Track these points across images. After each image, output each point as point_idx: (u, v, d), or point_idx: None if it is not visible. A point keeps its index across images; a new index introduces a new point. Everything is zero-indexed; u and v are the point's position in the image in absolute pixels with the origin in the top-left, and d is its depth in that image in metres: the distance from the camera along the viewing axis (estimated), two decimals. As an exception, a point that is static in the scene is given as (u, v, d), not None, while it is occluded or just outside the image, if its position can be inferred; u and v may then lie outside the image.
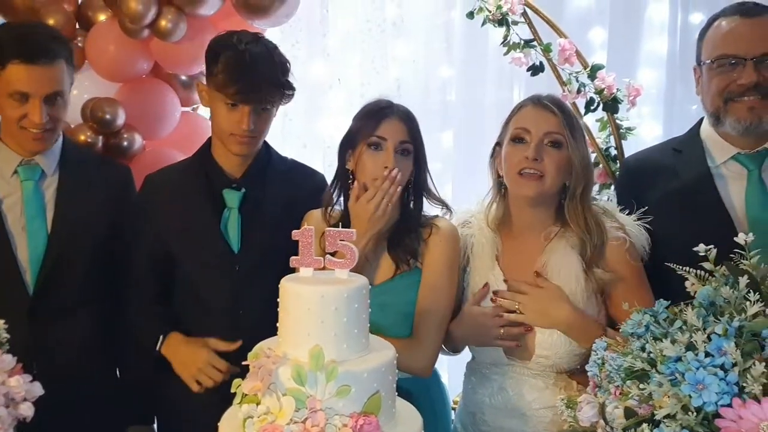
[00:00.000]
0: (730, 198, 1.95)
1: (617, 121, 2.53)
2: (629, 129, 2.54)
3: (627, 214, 1.95)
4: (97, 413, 2.07)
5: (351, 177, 1.94)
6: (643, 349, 1.14)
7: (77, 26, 2.84)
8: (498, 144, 1.97)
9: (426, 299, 1.88)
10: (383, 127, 1.86)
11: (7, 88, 1.96)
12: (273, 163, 2.15)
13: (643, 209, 1.94)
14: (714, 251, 1.25)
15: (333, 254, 1.51)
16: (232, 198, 2.07)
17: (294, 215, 2.03)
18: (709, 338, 1.04)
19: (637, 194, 2.01)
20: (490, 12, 2.56)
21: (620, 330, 1.24)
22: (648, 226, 1.92)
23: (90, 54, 2.78)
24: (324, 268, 1.50)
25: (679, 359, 1.04)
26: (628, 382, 1.11)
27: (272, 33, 2.92)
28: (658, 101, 3.03)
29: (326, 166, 3.01)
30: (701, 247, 1.26)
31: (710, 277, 1.23)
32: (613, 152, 2.57)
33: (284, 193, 2.10)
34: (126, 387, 2.20)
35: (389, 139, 1.86)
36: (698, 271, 1.28)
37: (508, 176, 1.90)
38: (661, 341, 1.09)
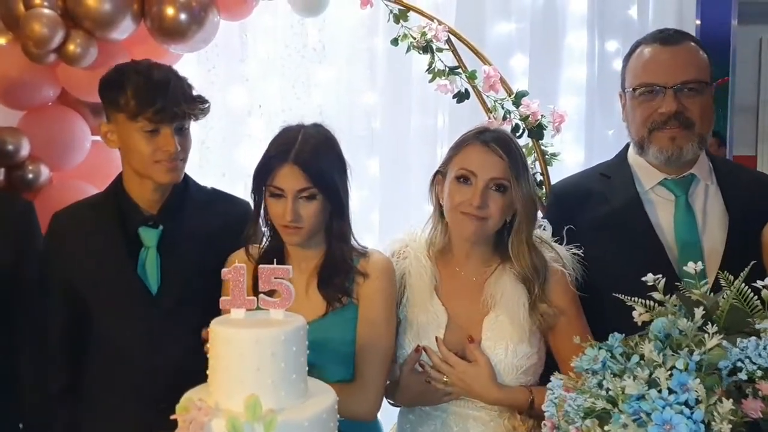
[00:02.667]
0: (659, 223, 1.98)
1: (542, 147, 2.55)
2: (554, 155, 2.55)
3: (558, 242, 1.94)
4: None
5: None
6: (600, 385, 1.10)
7: (-27, 50, 2.64)
8: (440, 172, 1.92)
9: (366, 336, 1.79)
10: (279, 177, 1.74)
11: None
12: (191, 194, 2.03)
13: (572, 236, 1.93)
14: (662, 281, 1.23)
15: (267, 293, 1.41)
16: (149, 236, 1.95)
17: (217, 250, 1.91)
18: (670, 374, 1.01)
19: (567, 220, 2.01)
20: (414, 39, 2.54)
21: (574, 366, 1.20)
22: (579, 253, 1.91)
23: (-11, 80, 2.58)
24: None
25: (641, 397, 1.01)
26: (587, 421, 1.06)
27: (187, 58, 2.82)
28: (579, 127, 3.09)
29: (247, 195, 2.90)
30: (649, 277, 1.24)
31: (659, 307, 1.21)
32: (539, 178, 2.57)
33: (205, 226, 1.99)
34: None
35: (286, 189, 1.74)
36: (646, 301, 1.26)
37: (448, 211, 1.86)
38: (621, 378, 1.05)
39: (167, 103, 1.85)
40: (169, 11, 2.51)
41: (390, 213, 3.09)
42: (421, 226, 1.99)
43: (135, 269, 1.93)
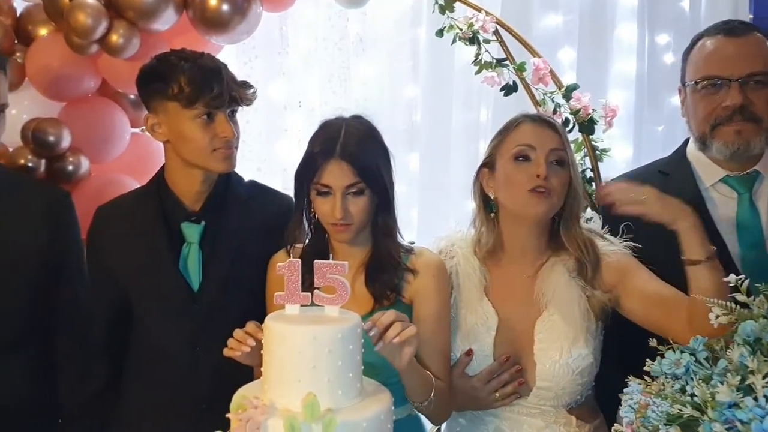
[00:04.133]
0: (721, 222, 1.90)
1: (592, 143, 2.47)
2: (605, 150, 2.48)
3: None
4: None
5: (313, 210, 1.78)
6: (683, 390, 1.04)
7: (15, 41, 2.62)
8: (485, 165, 1.86)
9: (423, 333, 1.69)
10: (326, 174, 1.68)
11: None
12: (233, 189, 1.99)
13: (630, 236, 1.86)
14: (746, 281, 1.16)
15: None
16: (191, 232, 1.91)
17: (259, 246, 1.88)
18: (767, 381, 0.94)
19: (622, 219, 1.93)
20: (460, 30, 2.49)
21: (650, 369, 1.13)
22: (634, 249, 1.84)
23: (30, 71, 2.56)
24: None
25: (734, 404, 0.94)
26: (671, 429, 1.00)
27: (226, 50, 2.78)
28: (628, 123, 3.01)
29: (284, 190, 2.87)
30: (732, 278, 1.17)
31: (742, 310, 1.14)
32: (589, 174, 2.50)
33: (247, 221, 1.95)
34: None
35: (334, 186, 1.69)
36: (727, 303, 1.19)
37: (513, 197, 1.79)
38: (707, 384, 0.99)
39: (223, 88, 1.83)
40: (212, 1, 2.47)
41: (429, 210, 3.04)
42: (467, 224, 1.93)
43: (177, 265, 1.90)
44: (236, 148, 1.91)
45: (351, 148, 1.68)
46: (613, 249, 1.82)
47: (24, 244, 1.90)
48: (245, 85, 1.93)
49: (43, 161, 2.52)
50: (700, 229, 1.67)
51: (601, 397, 1.86)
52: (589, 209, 2.39)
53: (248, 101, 1.93)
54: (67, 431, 2.01)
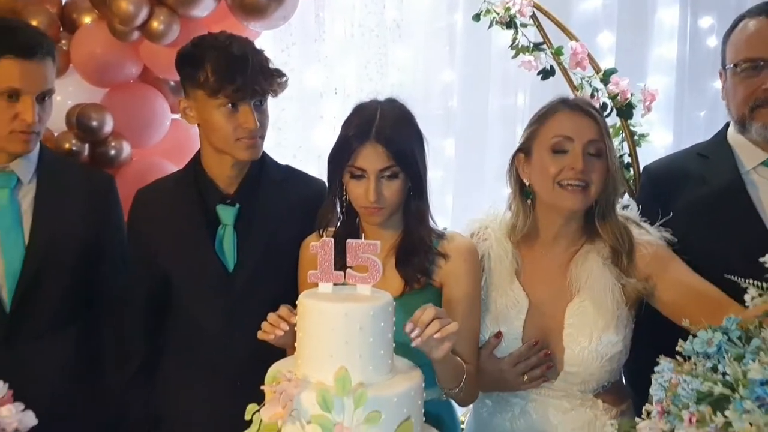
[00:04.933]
0: (762, 205, 1.86)
1: (631, 128, 2.44)
2: (643, 135, 2.45)
3: (651, 224, 1.85)
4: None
5: (345, 193, 1.78)
6: (714, 369, 1.03)
7: (61, 29, 2.69)
8: (521, 150, 1.84)
9: (453, 317, 1.72)
10: (361, 157, 1.67)
11: None
12: (267, 172, 2.01)
13: (668, 218, 1.84)
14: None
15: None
16: (226, 214, 1.94)
17: (292, 228, 1.90)
18: (800, 359, 0.93)
19: (661, 203, 1.91)
20: (497, 14, 2.47)
21: (683, 348, 1.12)
22: (672, 237, 1.82)
23: (75, 57, 2.63)
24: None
25: (765, 382, 0.93)
26: (701, 406, 0.99)
27: (264, 37, 2.81)
28: (668, 108, 2.96)
29: (319, 177, 2.89)
30: (768, 257, 1.15)
31: (779, 290, 1.12)
32: (627, 159, 2.47)
33: (281, 204, 1.96)
34: (110, 414, 2.02)
35: (368, 169, 1.68)
36: (762, 284, 1.17)
37: (543, 186, 1.77)
38: (740, 363, 0.98)
39: (247, 80, 1.82)
40: (250, -12, 2.51)
41: (464, 196, 3.03)
42: (502, 207, 1.92)
43: (213, 246, 1.93)
44: (261, 137, 1.90)
45: (386, 131, 1.68)
46: (649, 239, 1.79)
47: (70, 225, 1.95)
48: (276, 73, 1.91)
49: (86, 146, 2.59)
50: None
51: (634, 381, 1.85)
52: (626, 196, 2.37)
53: (276, 91, 1.91)
54: (111, 407, 2.06)
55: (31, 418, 1.28)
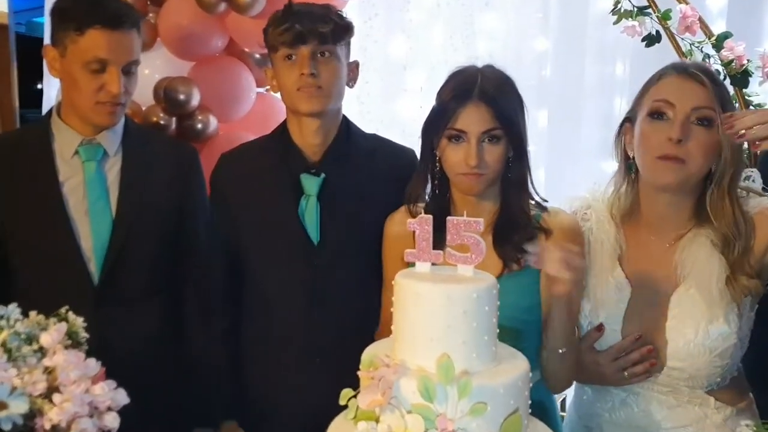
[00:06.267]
0: None
1: (746, 98, 2.25)
2: (760, 105, 2.25)
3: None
4: (162, 412, 1.91)
5: (439, 164, 1.68)
6: None
7: (148, 2, 2.69)
8: (627, 119, 1.70)
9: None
10: (462, 118, 1.58)
11: (85, 56, 1.81)
12: (354, 141, 1.94)
13: None
14: None
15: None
16: (310, 184, 1.88)
17: (379, 200, 1.82)
18: None
19: None
20: (597, -24, 2.31)
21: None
22: None
23: (162, 30, 2.63)
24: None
25: None
26: None
27: (348, 8, 2.72)
28: (785, 75, 2.72)
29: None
30: None
31: None
32: (741, 132, 2.28)
33: (368, 176, 1.89)
34: (194, 385, 2.02)
35: (470, 132, 1.58)
36: None
37: (642, 160, 1.63)
38: None
39: (302, 24, 1.80)
40: (336, -44, 2.43)
41: (557, 171, 2.90)
42: (605, 184, 1.78)
43: (297, 216, 1.88)
44: (322, 88, 1.83)
45: (490, 91, 1.58)
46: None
47: (155, 196, 1.95)
48: (334, 18, 1.85)
49: (173, 119, 2.59)
50: None
51: (754, 375, 1.70)
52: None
53: (337, 38, 1.84)
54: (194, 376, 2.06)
55: (123, 397, 1.25)
